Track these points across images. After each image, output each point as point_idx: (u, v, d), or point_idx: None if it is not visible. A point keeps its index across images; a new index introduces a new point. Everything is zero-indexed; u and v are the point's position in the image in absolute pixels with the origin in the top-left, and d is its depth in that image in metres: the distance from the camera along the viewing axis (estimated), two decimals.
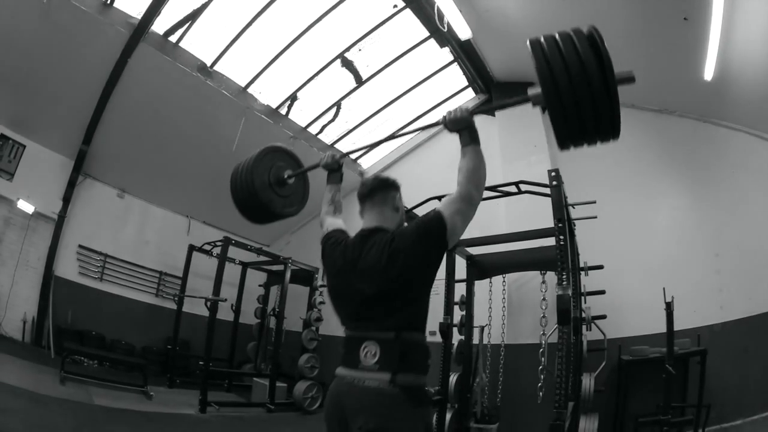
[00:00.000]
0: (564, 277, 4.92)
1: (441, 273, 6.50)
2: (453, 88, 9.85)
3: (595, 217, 6.54)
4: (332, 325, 9.72)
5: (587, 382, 6.29)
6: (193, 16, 7.76)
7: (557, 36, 2.02)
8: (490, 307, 7.66)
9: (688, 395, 6.27)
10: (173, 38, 8.04)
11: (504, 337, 7.64)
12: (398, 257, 2.03)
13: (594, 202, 6.39)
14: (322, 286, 9.60)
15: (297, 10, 8.08)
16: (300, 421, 7.96)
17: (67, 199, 8.76)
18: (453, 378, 6.89)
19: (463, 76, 9.45)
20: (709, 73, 6.51)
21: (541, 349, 6.85)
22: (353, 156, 11.14)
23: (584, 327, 6.48)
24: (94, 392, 6.72)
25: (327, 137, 10.70)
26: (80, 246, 9.06)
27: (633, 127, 7.92)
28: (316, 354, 9.10)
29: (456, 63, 9.07)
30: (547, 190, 5.40)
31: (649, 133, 7.78)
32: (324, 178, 2.99)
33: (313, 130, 10.41)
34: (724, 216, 7.07)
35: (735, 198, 7.07)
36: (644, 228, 7.58)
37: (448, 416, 6.65)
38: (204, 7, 7.62)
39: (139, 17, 7.42)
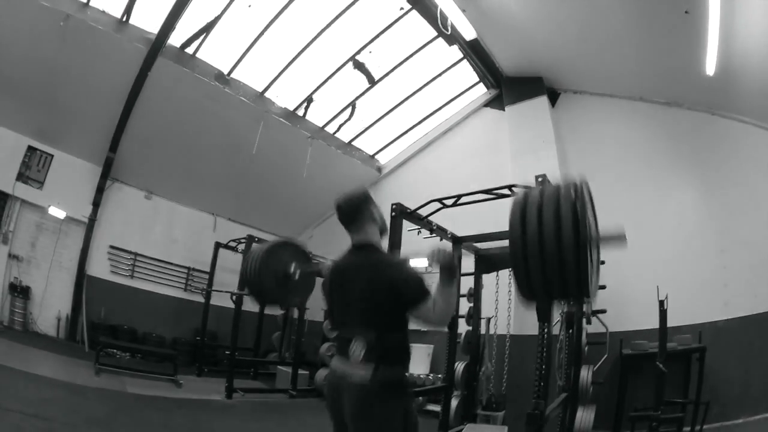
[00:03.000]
0: None
1: None
2: (465, 84, 9.89)
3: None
4: None
5: (585, 374, 6.44)
6: (207, 28, 8.08)
7: (542, 197, 2.06)
8: (496, 300, 7.78)
9: (691, 391, 6.18)
10: (190, 50, 8.38)
11: (509, 328, 7.78)
12: (375, 289, 2.30)
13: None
14: None
15: (307, 16, 8.28)
16: (320, 407, 8.07)
17: (96, 203, 9.31)
18: (460, 366, 7.11)
19: (474, 72, 9.49)
20: (710, 68, 6.38)
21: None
22: (371, 152, 11.54)
23: (584, 321, 6.64)
24: (127, 382, 7.19)
25: (344, 135, 10.94)
26: (111, 246, 9.61)
27: (642, 120, 7.97)
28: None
29: (465, 60, 9.12)
30: None
31: (658, 126, 7.70)
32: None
33: (331, 129, 10.65)
34: (732, 211, 6.93)
35: (743, 193, 6.90)
36: (651, 222, 7.49)
37: (455, 403, 6.92)
38: (217, 19, 7.91)
39: (156, 32, 7.74)
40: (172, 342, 9.84)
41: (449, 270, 2.27)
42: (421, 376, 8.63)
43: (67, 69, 7.71)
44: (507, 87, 9.24)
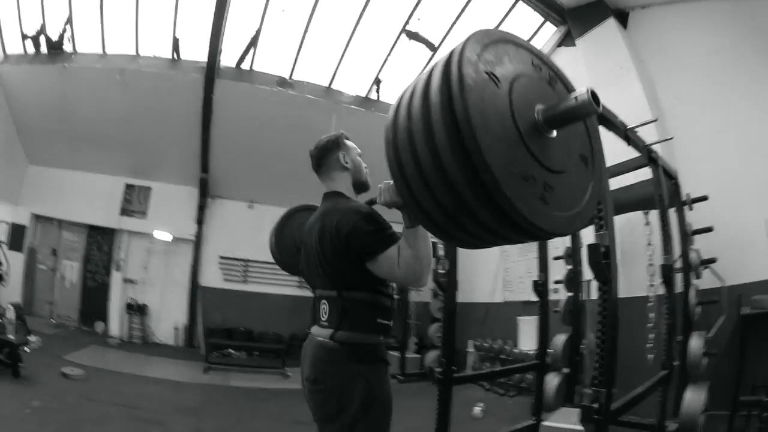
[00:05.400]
0: (600, 221, 3.67)
1: None
2: (532, 27, 8.35)
3: (671, 138, 4.98)
4: (462, 294, 9.22)
5: (696, 343, 4.89)
6: (253, 42, 8.06)
7: (411, 95, 1.23)
8: None
9: None
10: (246, 65, 8.40)
11: None
12: (323, 241, 1.97)
13: (655, 120, 4.86)
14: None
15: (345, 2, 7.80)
16: (426, 391, 7.62)
17: (200, 221, 9.87)
18: (560, 339, 6.04)
19: (537, 13, 7.99)
20: None
21: (649, 303, 5.59)
22: None
23: (692, 275, 5.06)
24: (233, 377, 7.49)
25: None
26: (221, 257, 10.03)
27: (721, 20, 5.93)
28: None
29: (521, 1, 7.72)
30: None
31: (740, 23, 5.66)
32: None
33: None
34: None
35: None
36: (761, 141, 5.41)
37: (556, 381, 5.87)
38: (259, 31, 7.85)
39: (206, 60, 7.87)
40: (289, 338, 9.90)
41: (403, 209, 1.70)
42: (530, 352, 7.56)
43: (137, 113, 8.44)
44: (573, 19, 7.62)
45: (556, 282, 6.18)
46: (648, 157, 4.45)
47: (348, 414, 1.82)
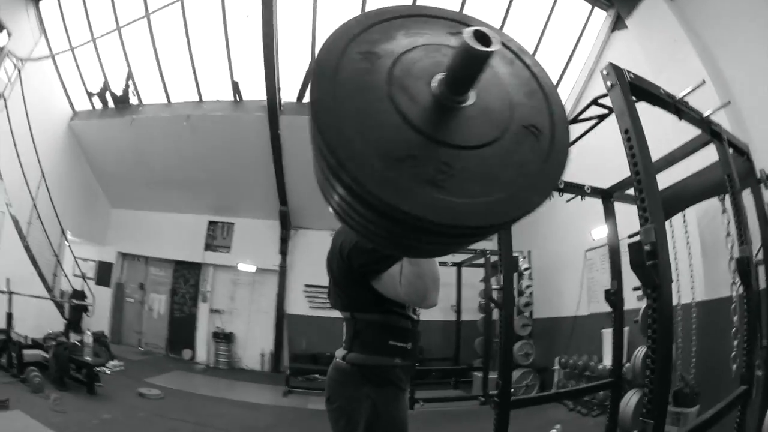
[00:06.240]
0: (644, 213, 3.04)
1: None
2: (582, 17, 7.79)
3: (728, 103, 4.29)
4: (548, 308, 8.57)
5: None
6: (309, 75, 8.31)
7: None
8: (675, 258, 5.56)
9: None
10: (307, 99, 8.65)
11: (694, 292, 5.51)
12: (332, 259, 1.97)
13: (703, 83, 4.14)
14: (526, 269, 8.78)
15: None
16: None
17: (284, 252, 10.24)
18: (640, 353, 5.36)
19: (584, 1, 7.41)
20: None
21: (733, 305, 4.76)
22: None
23: None
24: (312, 400, 7.48)
25: None
26: (306, 285, 10.22)
27: None
28: (531, 340, 8.19)
29: None
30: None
31: None
32: None
33: None
34: None
35: None
36: None
37: (634, 400, 5.18)
38: (312, 64, 8.10)
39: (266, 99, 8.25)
40: None
41: None
42: (607, 367, 6.78)
43: (208, 154, 9.08)
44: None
45: (634, 289, 5.50)
46: (709, 131, 3.79)
47: None
